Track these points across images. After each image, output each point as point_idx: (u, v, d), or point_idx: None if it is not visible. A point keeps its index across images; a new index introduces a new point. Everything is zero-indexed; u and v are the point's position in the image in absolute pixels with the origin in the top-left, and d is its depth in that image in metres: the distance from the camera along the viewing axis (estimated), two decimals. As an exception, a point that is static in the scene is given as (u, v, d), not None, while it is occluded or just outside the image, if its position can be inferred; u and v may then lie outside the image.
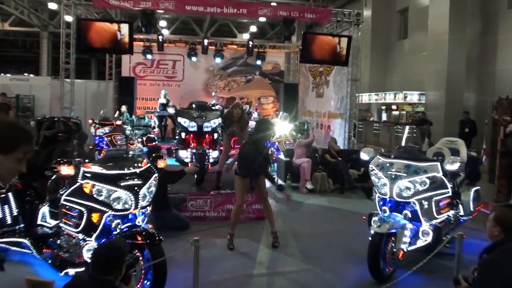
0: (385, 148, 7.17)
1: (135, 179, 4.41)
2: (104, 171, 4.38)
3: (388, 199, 5.39)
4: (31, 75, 30.35)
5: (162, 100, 15.66)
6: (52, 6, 22.97)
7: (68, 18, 12.74)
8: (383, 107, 23.99)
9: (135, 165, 4.60)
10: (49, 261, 4.78)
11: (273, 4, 13.54)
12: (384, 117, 23.87)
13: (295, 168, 10.21)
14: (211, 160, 8.21)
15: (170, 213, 6.59)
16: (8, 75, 26.96)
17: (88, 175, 4.36)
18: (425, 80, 18.39)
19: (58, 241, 4.88)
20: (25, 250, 5.21)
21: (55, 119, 6.10)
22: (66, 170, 4.31)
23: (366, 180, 10.46)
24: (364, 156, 5.92)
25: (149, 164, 4.71)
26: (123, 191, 4.29)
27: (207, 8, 12.34)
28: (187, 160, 8.26)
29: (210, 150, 8.18)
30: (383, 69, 23.22)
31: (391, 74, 23.10)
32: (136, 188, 4.36)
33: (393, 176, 5.29)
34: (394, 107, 23.15)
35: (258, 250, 6.16)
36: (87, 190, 4.30)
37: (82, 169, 4.37)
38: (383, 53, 23.04)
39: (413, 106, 21.64)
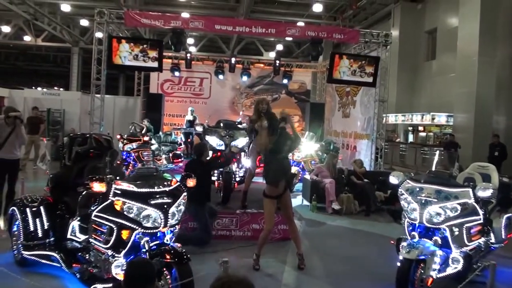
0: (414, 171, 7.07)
1: (165, 198, 4.45)
2: (135, 189, 4.43)
3: (417, 225, 5.30)
4: (61, 89, 31.10)
5: (189, 117, 15.84)
6: (84, 23, 23.62)
7: (99, 35, 13.06)
8: (410, 128, 23.74)
9: (165, 183, 4.64)
10: (78, 276, 4.85)
11: (301, 24, 13.64)
12: (410, 138, 23.60)
13: (320, 189, 10.15)
14: (237, 179, 8.22)
15: (204, 213, 6.65)
16: (39, 88, 27.71)
17: (119, 192, 4.41)
18: (453, 102, 18.16)
19: (87, 256, 4.95)
20: (54, 264, 5.30)
21: (87, 135, 6.22)
22: (98, 187, 4.37)
23: (393, 203, 10.34)
24: (393, 180, 5.84)
25: (178, 183, 4.75)
26: (153, 209, 4.33)
27: (236, 27, 12.50)
28: (213, 178, 8.28)
29: (237, 169, 8.19)
30: (410, 90, 23.01)
31: (418, 95, 22.88)
32: (165, 206, 4.40)
33: (423, 201, 5.20)
34: (421, 128, 22.88)
35: (283, 271, 6.10)
36: (118, 207, 4.36)
37: (113, 186, 4.43)
38: (411, 74, 22.86)
39: (441, 127, 21.36)
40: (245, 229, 7.39)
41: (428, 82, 21.99)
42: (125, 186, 4.47)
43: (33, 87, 29.26)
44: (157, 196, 4.43)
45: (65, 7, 20.95)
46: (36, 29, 25.93)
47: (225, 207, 7.83)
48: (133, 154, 11.83)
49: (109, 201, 4.42)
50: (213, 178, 8.26)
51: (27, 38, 27.26)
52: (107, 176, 4.52)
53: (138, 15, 12.11)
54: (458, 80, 17.68)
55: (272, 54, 25.90)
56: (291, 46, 29.40)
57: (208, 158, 7.34)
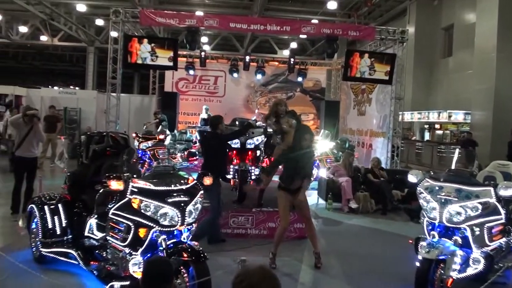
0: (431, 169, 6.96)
1: (182, 196, 4.44)
2: (152, 187, 4.43)
3: (437, 224, 5.21)
4: (76, 88, 31.38)
5: (204, 115, 15.84)
6: (99, 22, 23.76)
7: (114, 34, 13.12)
8: (426, 126, 23.48)
9: (182, 181, 4.63)
10: (96, 273, 4.86)
11: (315, 21, 13.53)
12: (426, 136, 23.34)
13: (336, 187, 10.08)
14: (253, 177, 8.19)
15: (217, 189, 6.49)
16: (56, 88, 27.97)
17: (136, 190, 4.41)
18: (471, 99, 17.89)
19: (104, 254, 4.97)
20: (72, 261, 5.33)
21: (104, 134, 6.24)
22: (115, 185, 4.37)
23: (410, 202, 10.26)
24: (412, 178, 5.74)
25: (195, 181, 4.74)
26: (170, 207, 4.32)
27: (251, 25, 12.47)
28: (229, 177, 8.27)
29: (253, 167, 8.17)
30: (426, 87, 22.72)
31: (434, 92, 22.59)
32: (182, 204, 4.39)
33: (442, 200, 5.11)
34: (437, 126, 22.62)
35: (300, 270, 6.06)
36: (135, 205, 4.36)
37: (130, 184, 4.43)
38: (427, 71, 22.57)
39: (458, 125, 21.09)
40: (261, 228, 7.36)
41: (445, 79, 21.71)
42: (142, 184, 4.47)
43: (49, 86, 29.54)
44: (174, 194, 4.42)
45: (81, 7, 21.08)
46: (52, 29, 26.17)
47: (241, 205, 7.81)
48: (148, 152, 11.84)
49: (126, 199, 4.42)
50: (229, 176, 8.25)
51: (43, 38, 27.52)
52: (124, 174, 4.52)
53: (153, 14, 12.14)
54: (475, 76, 17.42)
55: (286, 52, 25.79)
56: (305, 44, 29.26)
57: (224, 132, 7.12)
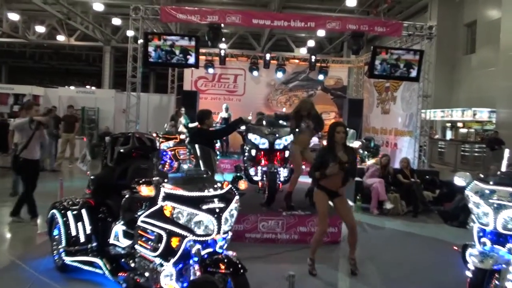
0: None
1: (217, 202, 4.10)
2: (185, 193, 4.09)
3: (488, 230, 4.81)
4: (93, 88, 31.34)
5: (224, 114, 15.55)
6: (116, 21, 23.61)
7: (130, 33, 12.87)
8: (448, 125, 22.97)
9: (216, 186, 4.29)
10: (123, 285, 4.54)
11: (334, 15, 13.13)
12: (448, 135, 22.84)
13: (365, 188, 9.71)
14: (281, 179, 7.85)
15: None
16: (72, 87, 27.95)
17: (168, 196, 4.08)
18: (495, 97, 17.43)
19: (131, 263, 4.63)
20: (96, 270, 5.03)
21: (129, 134, 5.92)
22: (146, 191, 4.03)
23: (442, 203, 9.86)
24: (459, 181, 5.31)
25: (230, 186, 4.39)
26: (206, 215, 3.98)
27: (274, 21, 12.13)
28: (256, 179, 7.94)
29: (281, 169, 7.82)
30: (448, 84, 22.21)
31: (457, 90, 22.09)
32: (218, 211, 4.04)
33: (496, 205, 4.71)
34: (459, 124, 22.11)
35: (337, 278, 5.71)
36: (167, 213, 4.02)
37: (162, 190, 4.09)
38: (449, 68, 22.09)
39: (482, 123, 20.58)
40: (292, 232, 7.01)
41: (468, 76, 21.23)
42: (175, 189, 4.13)
43: (66, 86, 29.53)
44: (209, 200, 4.07)
45: (98, 6, 20.92)
46: (69, 28, 26.12)
47: (269, 208, 7.46)
48: (169, 153, 11.58)
49: (157, 206, 4.08)
50: (256, 178, 7.92)
51: (60, 38, 27.50)
52: (154, 179, 4.18)
53: (174, 11, 11.85)
54: (500, 74, 16.98)
55: (303, 50, 25.34)
56: (322, 42, 28.82)
57: (214, 127, 6.79)
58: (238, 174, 4.76)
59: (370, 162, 11.15)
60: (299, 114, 7.58)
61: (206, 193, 4.14)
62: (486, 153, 16.42)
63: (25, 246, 6.71)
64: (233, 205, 4.22)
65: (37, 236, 6.88)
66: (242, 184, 4.56)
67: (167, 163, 11.26)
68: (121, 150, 5.60)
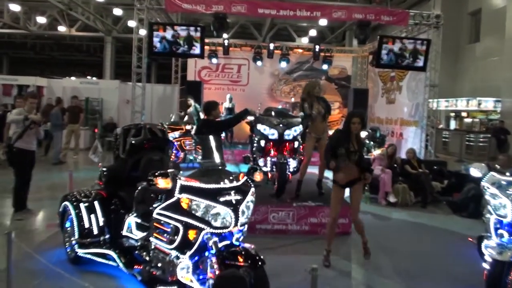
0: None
1: (234, 194, 4.05)
2: (202, 185, 4.04)
3: (506, 222, 4.77)
4: (94, 78, 31.19)
5: (227, 104, 15.47)
6: (117, 12, 23.41)
7: (132, 24, 12.74)
8: (452, 114, 22.84)
9: (232, 178, 4.25)
10: (139, 277, 4.50)
11: (340, 4, 12.95)
12: (453, 124, 22.72)
13: (373, 179, 9.63)
14: (291, 170, 7.80)
15: None
16: (73, 78, 27.82)
17: (186, 188, 4.03)
18: (500, 86, 17.30)
19: (145, 255, 4.59)
20: (110, 262, 5.00)
21: (141, 126, 5.86)
22: (163, 183, 3.97)
23: (451, 194, 9.81)
24: (475, 172, 5.27)
25: (246, 178, 4.34)
26: (223, 207, 3.94)
27: (280, 11, 12.03)
28: (265, 169, 7.88)
29: (290, 159, 7.77)
30: (452, 74, 22.00)
31: (461, 79, 21.91)
32: (235, 203, 4.00)
33: (513, 196, 4.67)
34: (463, 114, 21.99)
35: (350, 269, 5.67)
36: (184, 205, 3.97)
37: (178, 182, 4.04)
38: (453, 58, 21.88)
39: (487, 113, 20.46)
40: (302, 223, 6.98)
41: (472, 65, 21.04)
42: (191, 182, 4.09)
43: (67, 77, 29.37)
44: (226, 192, 4.03)
45: (99, -4, 20.76)
46: (70, 19, 25.89)
47: (280, 199, 7.42)
48: (175, 143, 11.57)
49: (174, 198, 4.03)
50: (266, 169, 7.86)
51: (61, 29, 27.28)
52: (170, 171, 4.12)
53: (179, 0, 11.72)
54: (506, 63, 16.83)
55: (304, 40, 25.12)
56: (324, 32, 28.54)
57: (220, 119, 6.65)
58: (254, 166, 4.71)
59: (376, 152, 11.11)
60: (311, 95, 7.53)
61: (222, 185, 4.11)
62: (490, 142, 16.37)
63: (35, 238, 6.63)
64: (250, 197, 4.18)
65: (46, 228, 6.84)
66: (258, 176, 4.50)
67: (173, 153, 11.24)
68: (133, 142, 5.54)
